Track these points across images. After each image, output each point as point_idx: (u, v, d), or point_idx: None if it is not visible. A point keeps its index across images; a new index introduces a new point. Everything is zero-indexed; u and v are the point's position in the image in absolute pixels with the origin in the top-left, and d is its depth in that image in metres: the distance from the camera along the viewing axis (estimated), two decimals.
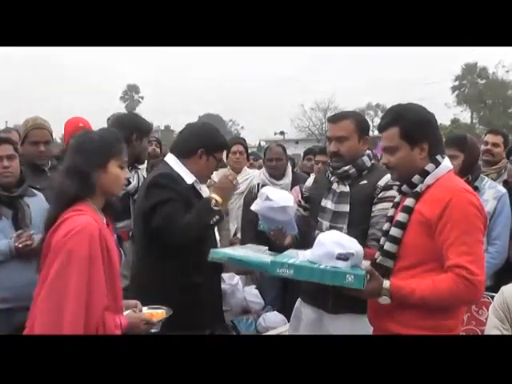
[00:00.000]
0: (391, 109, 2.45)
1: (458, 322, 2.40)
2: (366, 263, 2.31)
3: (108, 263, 2.16)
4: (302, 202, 3.14)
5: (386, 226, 2.44)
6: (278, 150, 4.82)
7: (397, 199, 2.49)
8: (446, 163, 2.36)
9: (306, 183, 3.24)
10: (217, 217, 2.80)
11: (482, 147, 4.43)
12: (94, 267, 2.08)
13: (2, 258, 3.01)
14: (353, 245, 2.26)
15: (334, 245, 2.22)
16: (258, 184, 4.64)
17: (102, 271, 2.11)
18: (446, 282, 2.16)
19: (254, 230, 3.60)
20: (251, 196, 4.54)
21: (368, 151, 2.92)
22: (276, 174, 4.70)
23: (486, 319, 3.28)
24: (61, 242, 2.07)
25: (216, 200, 2.83)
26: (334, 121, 2.91)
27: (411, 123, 2.32)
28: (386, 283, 2.22)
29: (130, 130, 3.23)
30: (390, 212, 2.47)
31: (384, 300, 2.22)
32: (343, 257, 2.20)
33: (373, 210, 2.77)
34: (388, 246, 2.33)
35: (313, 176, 3.64)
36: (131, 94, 65.79)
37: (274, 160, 4.73)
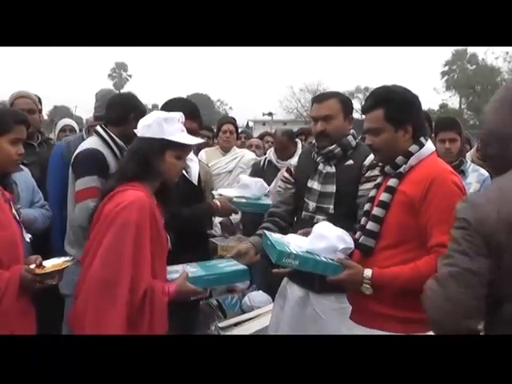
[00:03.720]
0: (376, 90, 2.46)
1: None
2: (339, 255, 2.34)
3: (156, 236, 2.33)
4: (288, 177, 3.12)
5: (367, 207, 2.47)
6: (283, 139, 4.94)
7: (378, 180, 2.50)
8: (430, 145, 2.39)
9: (292, 161, 3.24)
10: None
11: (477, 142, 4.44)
12: (142, 236, 2.25)
13: None
14: (350, 239, 2.37)
15: (337, 240, 2.32)
16: (265, 159, 4.94)
17: (149, 241, 2.28)
18: (430, 263, 2.15)
19: None
20: (257, 168, 4.90)
21: (352, 130, 2.94)
22: (282, 156, 4.88)
23: None
24: (112, 213, 2.26)
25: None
26: (319, 100, 2.92)
27: (396, 105, 2.33)
28: (368, 272, 2.25)
29: (128, 110, 3.23)
30: (372, 193, 2.49)
31: (366, 289, 2.25)
32: (343, 251, 2.32)
33: (360, 189, 2.78)
34: (371, 225, 2.35)
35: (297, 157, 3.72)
36: (119, 71, 65.08)
37: (278, 150, 4.91)
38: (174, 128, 2.40)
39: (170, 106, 2.95)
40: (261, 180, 3.39)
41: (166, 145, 2.37)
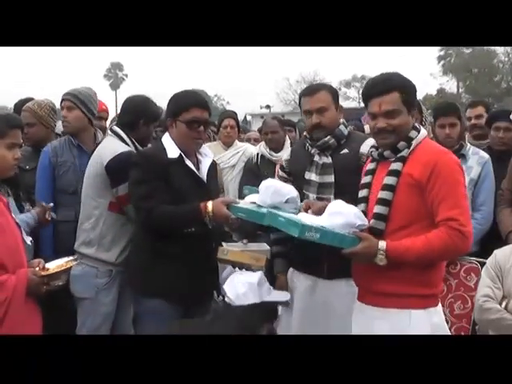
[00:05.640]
0: (385, 75, 2.52)
1: (441, 277, 2.55)
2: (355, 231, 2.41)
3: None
4: (283, 175, 3.12)
5: (364, 193, 2.54)
6: (273, 123, 4.88)
7: (372, 166, 2.57)
8: (423, 130, 2.52)
9: (284, 156, 3.24)
10: (193, 229, 2.81)
11: (467, 124, 4.42)
12: None
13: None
14: (365, 217, 2.44)
15: (354, 216, 2.39)
16: (258, 154, 4.77)
17: None
18: (440, 235, 2.30)
19: None
20: (251, 164, 4.76)
21: (342, 120, 2.99)
22: (274, 147, 4.76)
23: (475, 285, 3.37)
24: None
25: (208, 211, 2.74)
26: (310, 94, 2.94)
27: (410, 89, 2.46)
28: (382, 244, 2.34)
29: (138, 116, 3.27)
30: (367, 179, 2.56)
31: (380, 260, 2.33)
32: (359, 227, 2.39)
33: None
34: (379, 208, 2.42)
35: (288, 149, 3.69)
36: (115, 71, 64.86)
37: (269, 133, 4.79)
38: (268, 287, 2.53)
39: (180, 97, 2.98)
40: (273, 186, 2.72)
41: (269, 309, 2.49)
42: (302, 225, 2.30)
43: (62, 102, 3.61)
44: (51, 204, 3.22)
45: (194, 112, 2.89)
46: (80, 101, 3.53)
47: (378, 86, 2.46)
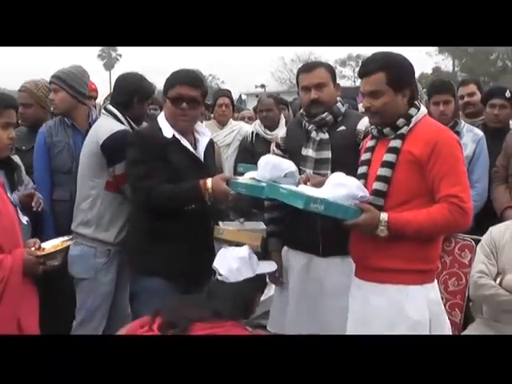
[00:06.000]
0: (376, 55, 2.51)
1: (438, 253, 2.58)
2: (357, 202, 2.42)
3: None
4: (279, 153, 3.10)
5: (363, 169, 2.55)
6: (268, 101, 4.88)
7: (371, 143, 2.58)
8: (423, 108, 2.53)
9: (280, 134, 3.24)
10: (193, 206, 2.82)
11: (460, 102, 4.42)
12: None
13: None
14: (365, 189, 2.43)
15: (357, 188, 2.39)
16: (253, 132, 4.80)
17: None
18: (441, 210, 2.33)
19: None
20: (246, 143, 4.80)
21: (339, 98, 3.00)
22: (269, 125, 4.76)
23: (469, 262, 3.41)
24: None
25: (207, 188, 2.73)
26: (308, 70, 2.96)
27: (398, 70, 2.44)
28: (384, 215, 2.36)
29: (131, 94, 3.25)
30: (367, 156, 2.57)
31: (381, 231, 2.35)
32: (360, 199, 2.39)
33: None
34: (378, 185, 2.44)
35: (283, 127, 3.69)
36: (108, 51, 64.34)
37: (264, 111, 4.80)
38: (256, 260, 2.51)
39: (170, 75, 2.97)
40: (272, 161, 2.75)
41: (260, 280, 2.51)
42: (306, 196, 2.29)
43: (49, 85, 3.62)
44: (32, 190, 3.18)
45: (179, 89, 2.87)
46: (64, 82, 3.49)
47: (365, 67, 2.50)
